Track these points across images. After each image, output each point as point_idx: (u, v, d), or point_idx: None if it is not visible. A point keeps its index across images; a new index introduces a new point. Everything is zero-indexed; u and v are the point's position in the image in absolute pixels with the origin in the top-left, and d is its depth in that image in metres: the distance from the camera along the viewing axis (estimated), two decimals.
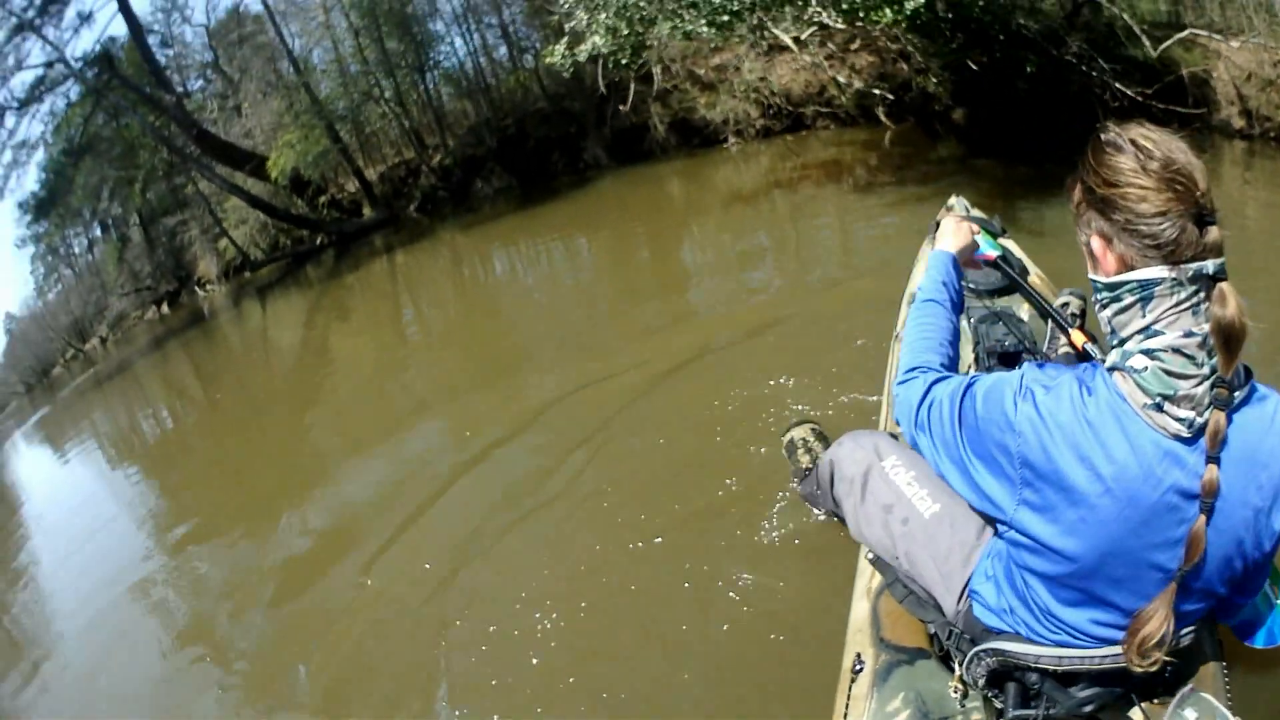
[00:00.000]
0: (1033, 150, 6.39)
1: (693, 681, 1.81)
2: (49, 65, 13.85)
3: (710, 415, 2.97)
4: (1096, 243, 0.93)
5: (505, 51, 12.20)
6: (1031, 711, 1.10)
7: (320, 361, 7.55)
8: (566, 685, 1.90)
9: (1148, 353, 0.88)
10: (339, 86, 12.19)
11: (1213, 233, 0.85)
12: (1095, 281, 0.95)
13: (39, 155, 15.31)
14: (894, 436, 1.59)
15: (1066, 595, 1.00)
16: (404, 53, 11.80)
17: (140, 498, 5.25)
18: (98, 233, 17.21)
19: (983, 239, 1.59)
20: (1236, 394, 0.88)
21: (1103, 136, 0.92)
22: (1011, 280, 1.64)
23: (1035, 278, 2.46)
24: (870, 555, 1.50)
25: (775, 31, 7.95)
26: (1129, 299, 0.89)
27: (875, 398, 2.59)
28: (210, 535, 3.94)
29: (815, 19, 7.51)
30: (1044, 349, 2.01)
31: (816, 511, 2.07)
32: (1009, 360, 1.94)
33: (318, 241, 13.05)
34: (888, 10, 5.48)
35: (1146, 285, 0.87)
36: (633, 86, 9.62)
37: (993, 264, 1.59)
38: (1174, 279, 0.85)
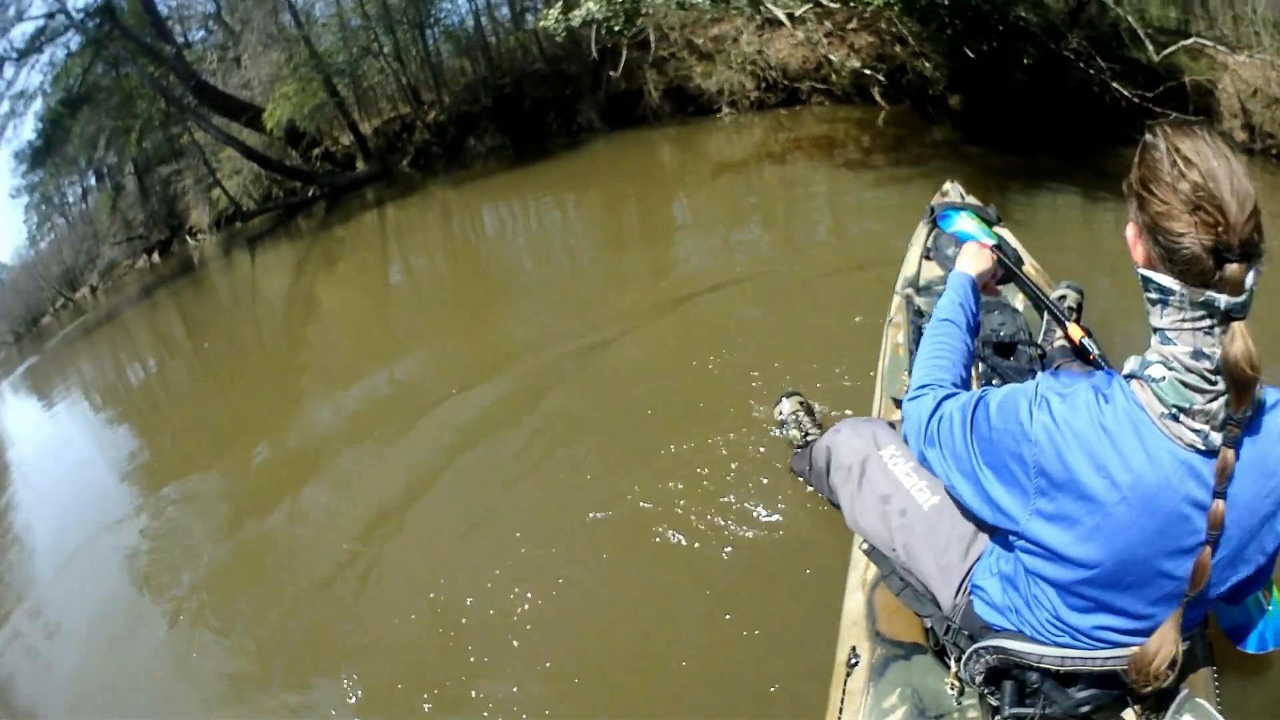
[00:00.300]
0: (1030, 142, 6.43)
1: (683, 673, 1.79)
2: (50, 16, 13.71)
3: (693, 380, 2.97)
4: (1131, 229, 0.93)
5: (507, 11, 12.18)
6: (1028, 710, 1.11)
7: (307, 311, 7.65)
8: (548, 672, 1.88)
9: (1165, 363, 0.88)
10: (339, 40, 12.17)
11: (1232, 270, 0.81)
12: (1135, 264, 0.95)
13: (36, 105, 15.15)
14: (892, 425, 1.57)
15: (1076, 602, 1.01)
16: (405, 9, 11.78)
17: (123, 445, 5.34)
18: (92, 181, 17.11)
19: (978, 226, 1.58)
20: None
21: (1148, 138, 0.90)
22: (1007, 270, 1.61)
23: (1031, 268, 2.43)
24: (865, 546, 1.48)
25: (771, 6, 7.95)
26: (1152, 295, 0.91)
27: (862, 379, 2.57)
28: (186, 480, 4.01)
29: None
30: (1040, 341, 1.98)
31: (809, 489, 2.04)
32: (1005, 350, 1.91)
33: (310, 193, 13.04)
34: None
35: (1164, 291, 0.88)
36: (624, 54, 9.63)
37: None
38: (1182, 294, 0.85)
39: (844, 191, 5.91)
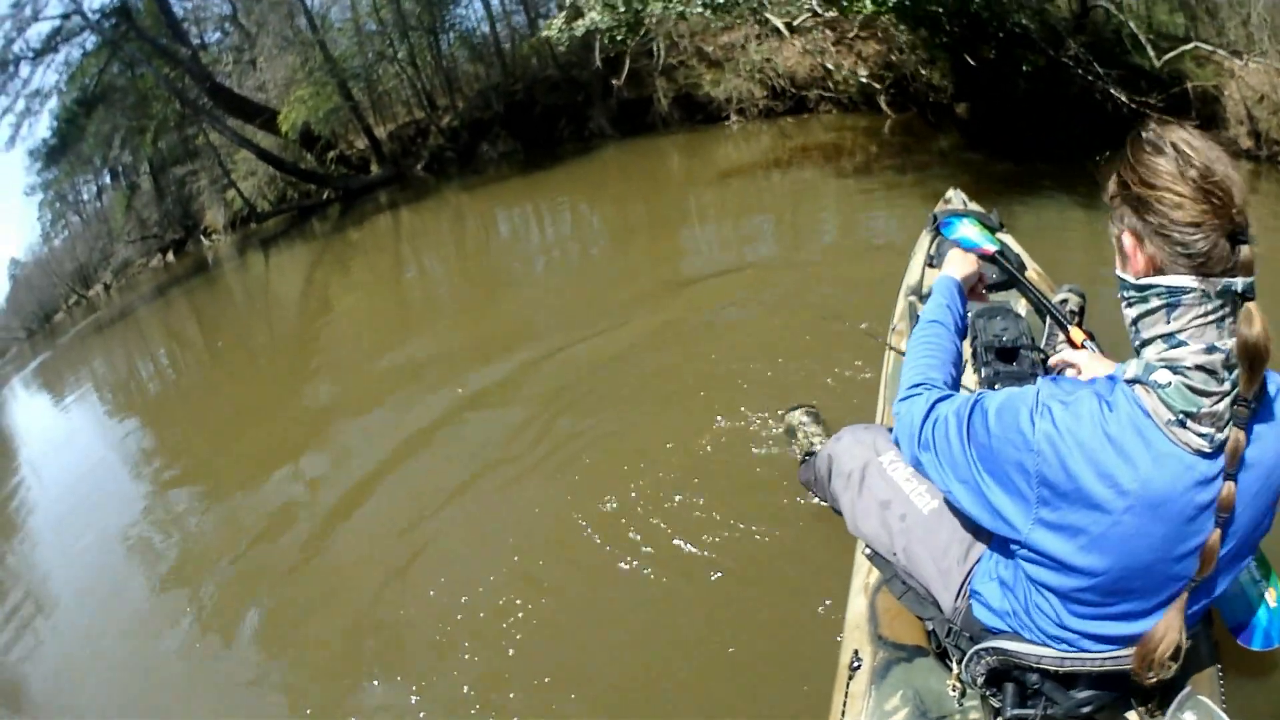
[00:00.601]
0: (1032, 148, 6.45)
1: (686, 676, 1.78)
2: (66, 16, 13.90)
3: (694, 385, 2.95)
4: (1128, 239, 0.91)
5: (523, 18, 12.34)
6: (1029, 711, 1.11)
7: (320, 312, 7.72)
8: (548, 672, 1.86)
9: (1172, 367, 0.87)
10: (354, 45, 12.36)
11: (1245, 251, 0.83)
12: (1123, 279, 0.93)
13: (52, 103, 15.31)
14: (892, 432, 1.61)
15: (1079, 609, 1.00)
16: (420, 14, 11.94)
17: (134, 442, 5.35)
18: (107, 180, 17.35)
19: (980, 233, 1.57)
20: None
21: (1144, 135, 0.89)
22: (1010, 275, 1.58)
23: (1033, 273, 2.43)
24: (867, 550, 1.49)
25: (769, 16, 8.00)
26: (1156, 302, 0.88)
27: (864, 384, 2.59)
28: (197, 480, 4.04)
29: (805, 6, 7.56)
30: (1042, 345, 1.96)
31: (816, 499, 2.00)
32: (1007, 356, 1.89)
33: (324, 196, 13.25)
34: (868, 1, 5.56)
35: (1174, 292, 0.86)
36: (628, 63, 9.74)
37: (990, 259, 1.54)
38: (1202, 290, 0.84)
39: (850, 198, 5.97)
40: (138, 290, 14.66)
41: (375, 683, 2.02)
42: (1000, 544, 1.12)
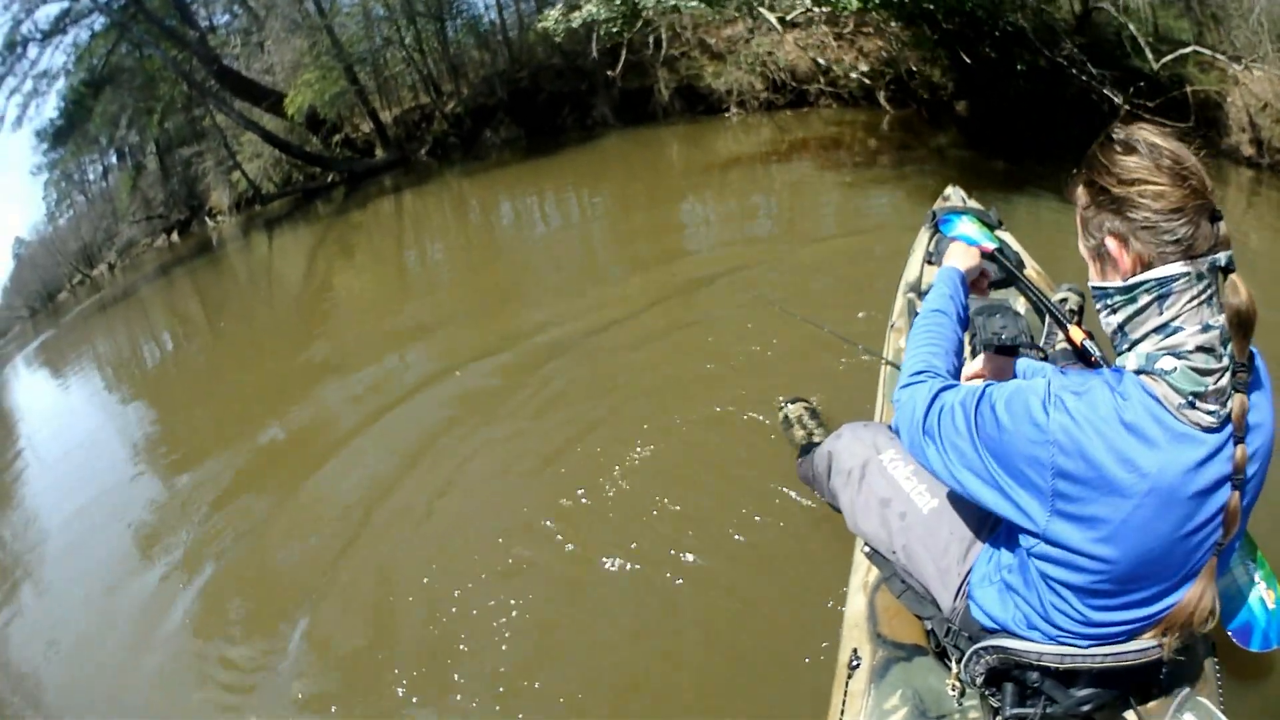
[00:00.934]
0: (1031, 147, 6.51)
1: (685, 674, 1.78)
2: None
3: (692, 379, 2.96)
4: (1112, 243, 0.93)
5: (531, 4, 12.40)
6: (1029, 710, 1.11)
7: (323, 293, 7.78)
8: (547, 673, 1.85)
9: (1174, 353, 0.90)
10: (361, 30, 12.46)
11: (1223, 226, 0.89)
12: (1105, 287, 0.96)
13: (59, 84, 15.35)
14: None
15: (1099, 601, 1.00)
16: (428, 0, 12.03)
17: (135, 421, 5.42)
18: (113, 160, 17.40)
19: (979, 230, 1.58)
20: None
21: (1114, 137, 0.94)
22: (1008, 273, 1.60)
23: (1032, 271, 2.45)
24: (866, 549, 1.49)
25: (763, 11, 8.03)
26: (1145, 299, 0.91)
27: (863, 378, 2.56)
28: (197, 456, 4.00)
29: (799, 1, 7.61)
30: (1042, 344, 1.96)
31: (815, 494, 1.96)
32: (1006, 353, 1.91)
33: (329, 179, 13.35)
34: None
35: (1164, 283, 0.89)
36: (624, 54, 9.82)
37: (989, 256, 1.55)
38: (1192, 273, 0.88)
39: (848, 192, 6.02)
40: (142, 270, 14.71)
41: (372, 682, 1.99)
42: (1003, 544, 1.14)
